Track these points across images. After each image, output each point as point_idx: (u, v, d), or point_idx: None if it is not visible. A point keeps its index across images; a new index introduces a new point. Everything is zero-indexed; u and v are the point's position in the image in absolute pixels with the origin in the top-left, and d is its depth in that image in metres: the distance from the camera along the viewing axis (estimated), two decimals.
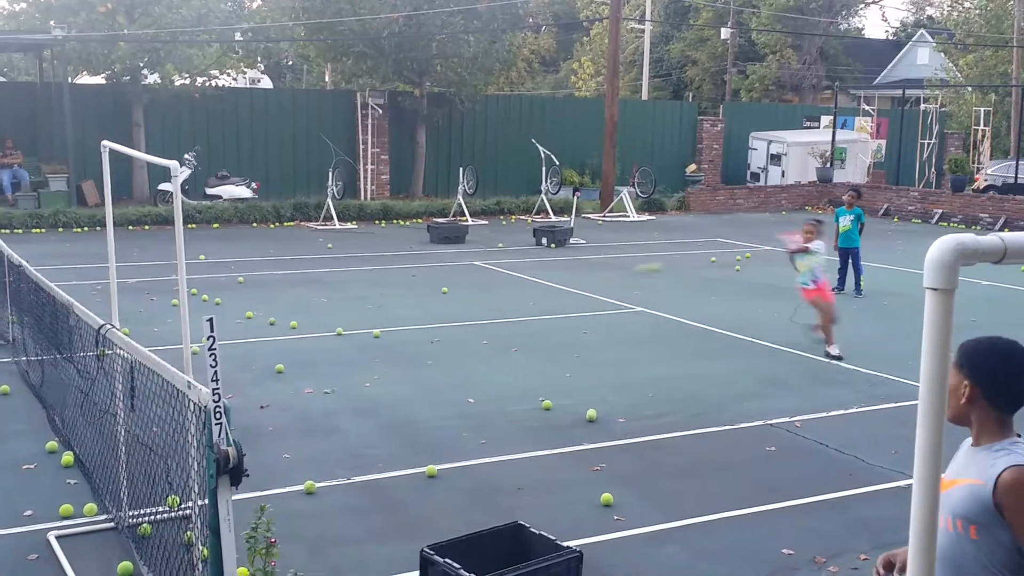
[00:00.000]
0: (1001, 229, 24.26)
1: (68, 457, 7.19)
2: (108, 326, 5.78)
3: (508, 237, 21.16)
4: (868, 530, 6.31)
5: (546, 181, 25.55)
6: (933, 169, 32.13)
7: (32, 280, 8.34)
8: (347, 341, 11.29)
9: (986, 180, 28.62)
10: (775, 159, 31.15)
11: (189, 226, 20.53)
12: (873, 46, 52.94)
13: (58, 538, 5.93)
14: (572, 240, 20.24)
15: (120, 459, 5.91)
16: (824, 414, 8.79)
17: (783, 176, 30.62)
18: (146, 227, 21.24)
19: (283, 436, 7.91)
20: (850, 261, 14.86)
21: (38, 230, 20.43)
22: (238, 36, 27.14)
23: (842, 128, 31.52)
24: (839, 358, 10.71)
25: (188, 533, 5.15)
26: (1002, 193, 26.81)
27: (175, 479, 4.92)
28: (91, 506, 6.33)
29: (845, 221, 14.77)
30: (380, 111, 26.90)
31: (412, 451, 7.62)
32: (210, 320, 3.95)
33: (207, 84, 24.87)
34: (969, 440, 2.91)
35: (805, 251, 10.98)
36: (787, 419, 8.59)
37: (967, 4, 38.75)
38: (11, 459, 7.34)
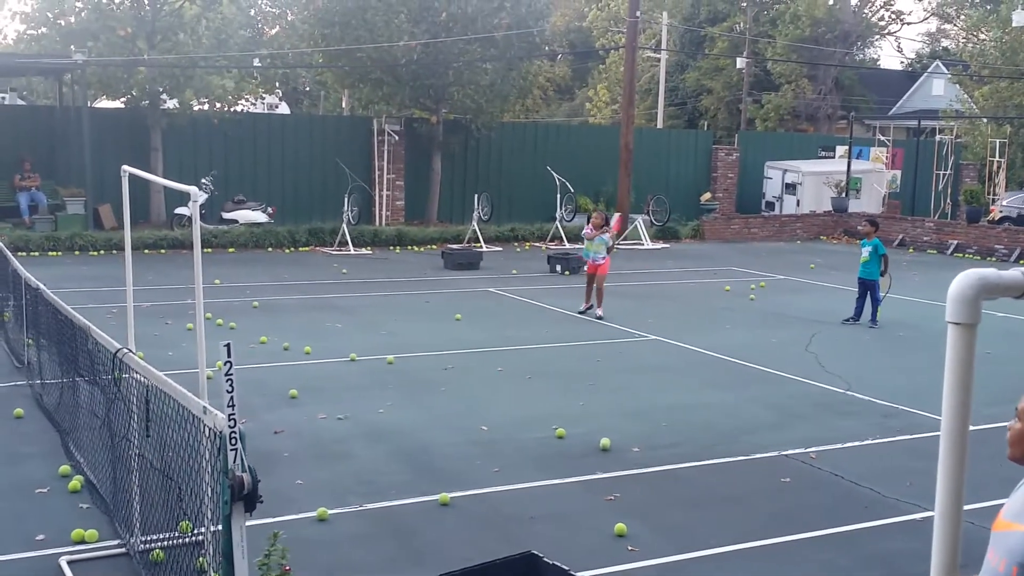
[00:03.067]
0: (1016, 260, 24.15)
1: (75, 483, 7.19)
2: (124, 350, 5.80)
3: (522, 264, 21.18)
4: (883, 564, 6.25)
5: (561, 208, 25.60)
6: (948, 200, 32.05)
7: (49, 303, 8.38)
8: (361, 367, 11.29)
9: (1001, 211, 28.52)
10: (790, 188, 31.14)
11: (205, 250, 20.57)
12: (888, 77, 52.99)
13: (69, 563, 5.92)
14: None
15: (133, 484, 5.91)
16: (839, 445, 8.73)
17: (798, 205, 30.60)
18: (162, 251, 21.35)
19: (296, 462, 7.90)
20: (868, 292, 14.78)
21: (55, 253, 20.56)
22: (256, 62, 27.34)
23: (857, 158, 31.52)
24: (601, 318, 14.50)
25: (200, 559, 5.13)
26: (1017, 224, 26.71)
27: (188, 504, 4.92)
28: (93, 532, 6.32)
29: (864, 252, 14.73)
30: (396, 137, 27.03)
31: (425, 478, 7.60)
32: (227, 345, 3.96)
33: (225, 109, 25.05)
34: None
35: (593, 238, 14.91)
36: (801, 450, 8.54)
37: (982, 36, 38.77)
38: (24, 482, 7.35)
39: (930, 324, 14.80)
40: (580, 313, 14.93)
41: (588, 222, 15.31)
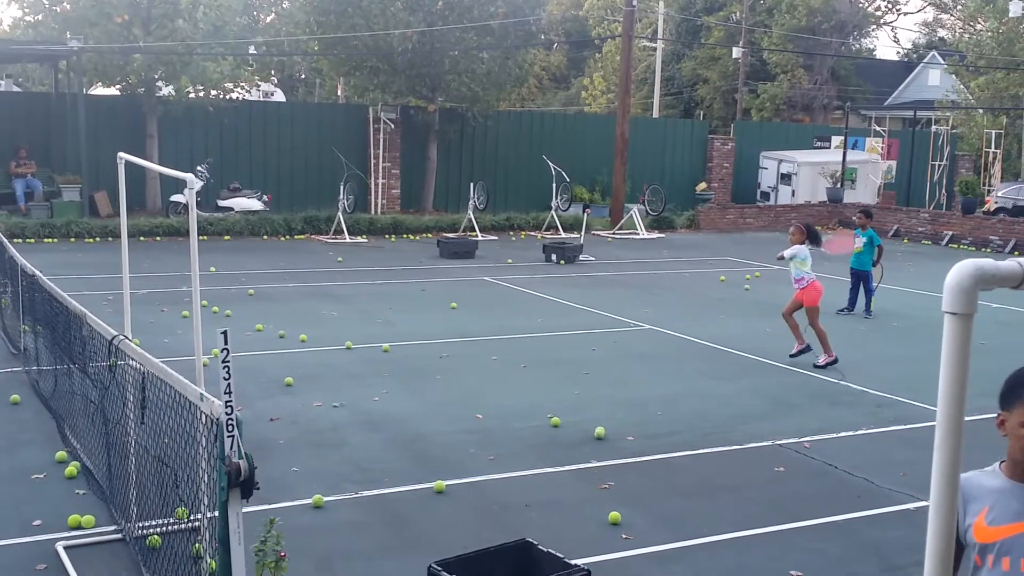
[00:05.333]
0: (1011, 252, 24.20)
1: (72, 469, 7.20)
2: (121, 337, 5.80)
3: (518, 253, 21.18)
4: (876, 553, 6.29)
5: (556, 197, 25.59)
6: (944, 191, 32.08)
7: (45, 290, 8.37)
8: (356, 355, 11.30)
9: (996, 202, 28.56)
10: (785, 178, 31.15)
11: (200, 238, 20.55)
12: (884, 67, 52.95)
13: (66, 548, 5.94)
14: (582, 257, 20.26)
15: (130, 470, 5.92)
16: (833, 435, 8.77)
17: (793, 196, 30.62)
18: (158, 238, 21.32)
19: (292, 449, 7.92)
20: (861, 282, 14.81)
21: (50, 240, 20.52)
22: (252, 50, 27.28)
23: (853, 148, 31.52)
24: (823, 366, 11.37)
25: (197, 545, 5.14)
26: (1012, 216, 26.74)
27: (184, 491, 4.93)
28: (89, 518, 6.34)
29: (858, 243, 14.75)
30: (392, 125, 26.99)
31: (420, 466, 7.62)
32: (224, 333, 3.96)
33: (221, 97, 24.99)
34: (1002, 480, 2.78)
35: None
36: (796, 439, 8.57)
37: (979, 26, 38.77)
38: (21, 468, 7.36)
39: (924, 314, 14.84)
40: (792, 356, 11.56)
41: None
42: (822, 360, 11.37)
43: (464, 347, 11.89)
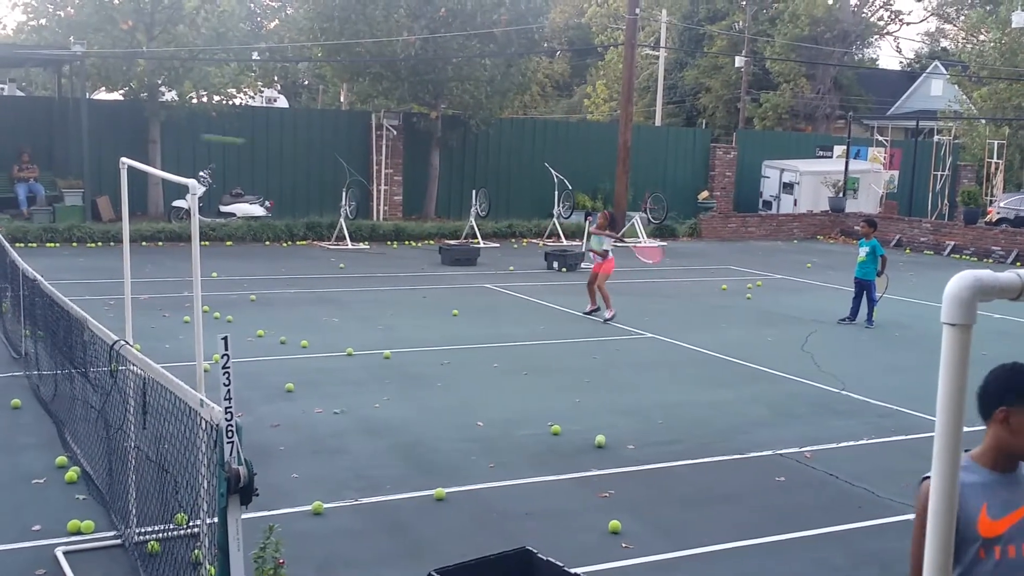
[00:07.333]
0: (1013, 262, 24.18)
1: (72, 474, 7.20)
2: (121, 342, 5.80)
3: (519, 260, 21.19)
4: (876, 563, 6.28)
5: (558, 205, 25.59)
6: (946, 201, 32.08)
7: (46, 294, 8.38)
8: (357, 361, 11.30)
9: (999, 213, 28.55)
10: (787, 187, 31.16)
11: (202, 243, 20.57)
12: (887, 77, 52.97)
13: (65, 554, 5.94)
14: (583, 264, 20.25)
15: (130, 475, 5.92)
16: (834, 445, 8.76)
17: (795, 205, 30.62)
18: (160, 243, 21.34)
19: (292, 456, 7.91)
20: (864, 292, 14.80)
21: (52, 244, 20.53)
22: (256, 55, 27.31)
23: (855, 158, 31.53)
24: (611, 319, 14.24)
25: (196, 551, 5.13)
26: (1015, 226, 26.73)
27: (184, 497, 4.92)
28: (89, 523, 6.33)
29: (861, 252, 14.74)
30: (395, 132, 27.01)
31: (420, 473, 7.62)
32: (225, 338, 3.96)
33: (224, 102, 25.03)
34: (984, 473, 2.87)
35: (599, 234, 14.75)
36: (797, 449, 8.56)
37: (982, 37, 38.78)
38: (20, 473, 7.36)
39: (926, 325, 14.83)
40: (586, 314, 14.74)
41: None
42: (608, 315, 14.25)
43: (465, 354, 11.88)
